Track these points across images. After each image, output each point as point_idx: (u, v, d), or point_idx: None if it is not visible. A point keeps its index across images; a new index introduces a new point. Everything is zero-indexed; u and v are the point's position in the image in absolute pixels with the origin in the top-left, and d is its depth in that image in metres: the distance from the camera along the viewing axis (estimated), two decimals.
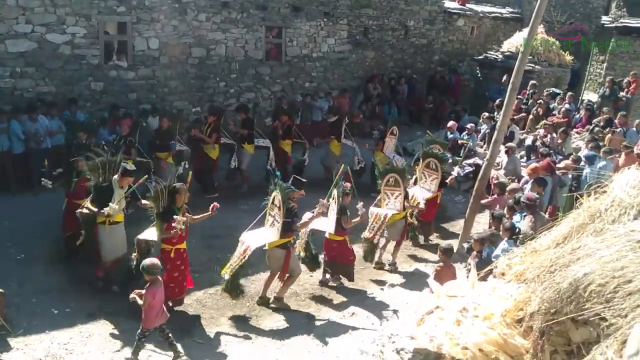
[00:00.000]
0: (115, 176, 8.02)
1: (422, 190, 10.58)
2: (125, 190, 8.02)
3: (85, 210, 8.11)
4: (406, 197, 9.68)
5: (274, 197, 8.05)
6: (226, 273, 7.99)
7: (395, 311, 8.27)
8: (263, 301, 8.33)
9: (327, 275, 9.10)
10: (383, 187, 9.62)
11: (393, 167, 10.04)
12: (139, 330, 6.63)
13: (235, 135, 12.48)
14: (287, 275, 8.30)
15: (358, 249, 9.48)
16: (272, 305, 8.30)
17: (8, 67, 11.63)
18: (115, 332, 7.34)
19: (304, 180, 9.12)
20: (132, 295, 6.48)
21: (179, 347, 6.88)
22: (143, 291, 6.40)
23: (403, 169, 9.93)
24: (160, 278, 6.64)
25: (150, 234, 7.74)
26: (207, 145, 11.91)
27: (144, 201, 8.03)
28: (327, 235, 8.78)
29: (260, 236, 8.12)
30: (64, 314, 7.50)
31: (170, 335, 6.78)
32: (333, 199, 8.50)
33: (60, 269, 8.70)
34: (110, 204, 7.81)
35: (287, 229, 8.00)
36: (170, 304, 7.66)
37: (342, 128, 13.27)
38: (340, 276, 9.09)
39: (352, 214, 8.64)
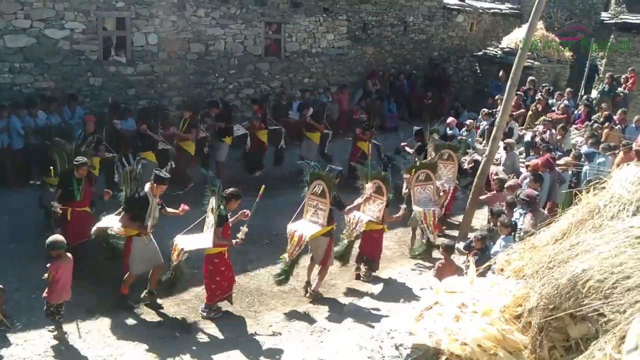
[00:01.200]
0: (147, 185, 7.60)
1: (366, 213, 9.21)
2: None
3: (109, 227, 7.96)
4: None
5: (315, 186, 8.34)
6: (284, 259, 8.38)
7: (394, 307, 8.28)
8: (308, 285, 8.64)
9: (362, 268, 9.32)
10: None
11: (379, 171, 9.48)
12: (46, 307, 6.82)
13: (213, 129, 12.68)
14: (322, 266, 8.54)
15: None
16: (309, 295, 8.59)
17: (7, 63, 11.57)
18: (114, 327, 7.35)
19: (340, 168, 9.74)
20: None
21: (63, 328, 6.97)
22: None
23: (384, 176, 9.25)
24: (68, 255, 6.79)
25: (109, 221, 7.97)
26: (185, 141, 11.91)
27: (169, 209, 7.93)
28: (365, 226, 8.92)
29: (307, 226, 8.34)
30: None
31: (62, 315, 6.89)
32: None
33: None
34: (148, 215, 7.49)
35: (332, 216, 8.30)
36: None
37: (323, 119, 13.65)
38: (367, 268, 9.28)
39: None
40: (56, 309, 6.83)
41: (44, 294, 6.78)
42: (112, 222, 7.96)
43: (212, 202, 7.49)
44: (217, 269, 7.66)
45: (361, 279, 9.23)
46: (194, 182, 11.54)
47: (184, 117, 12.10)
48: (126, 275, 7.78)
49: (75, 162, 8.25)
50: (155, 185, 7.53)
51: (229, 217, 7.64)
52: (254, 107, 13.41)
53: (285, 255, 8.40)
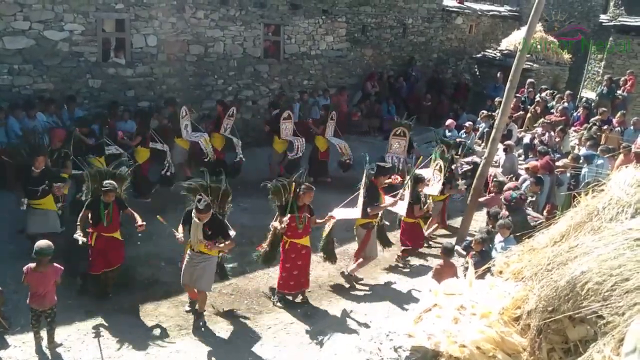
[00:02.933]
0: (194, 214, 7.16)
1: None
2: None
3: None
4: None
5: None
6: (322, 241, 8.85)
7: (392, 309, 8.28)
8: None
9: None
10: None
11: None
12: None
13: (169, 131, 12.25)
14: (362, 257, 8.90)
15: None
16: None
17: (6, 64, 11.60)
18: (113, 330, 7.34)
19: (388, 166, 9.98)
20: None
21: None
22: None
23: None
24: (56, 265, 6.72)
25: None
26: (136, 149, 11.34)
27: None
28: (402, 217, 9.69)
29: (346, 212, 8.74)
30: (61, 311, 7.46)
31: (34, 324, 6.78)
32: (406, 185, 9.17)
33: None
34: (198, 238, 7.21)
35: (365, 210, 8.59)
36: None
37: (279, 123, 12.97)
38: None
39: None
40: (34, 314, 6.72)
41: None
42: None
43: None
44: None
45: (399, 265, 9.85)
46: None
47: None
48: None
49: (103, 188, 7.68)
50: (198, 214, 7.10)
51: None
52: (218, 109, 13.10)
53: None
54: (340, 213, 8.78)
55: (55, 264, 6.72)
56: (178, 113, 12.16)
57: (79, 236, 7.57)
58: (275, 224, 8.11)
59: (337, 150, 13.47)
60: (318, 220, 8.36)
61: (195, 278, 7.43)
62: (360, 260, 8.96)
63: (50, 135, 10.07)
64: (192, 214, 7.13)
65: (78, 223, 7.74)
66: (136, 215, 7.94)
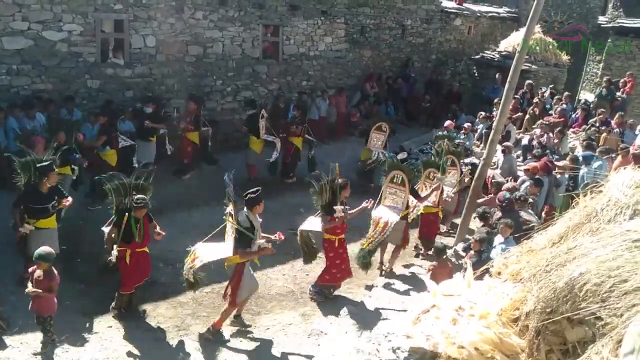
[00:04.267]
0: (245, 210, 7.18)
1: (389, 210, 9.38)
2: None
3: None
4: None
5: (393, 176, 9.08)
6: (367, 248, 8.87)
7: (391, 310, 8.27)
8: (382, 265, 9.54)
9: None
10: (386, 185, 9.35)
11: (397, 164, 9.83)
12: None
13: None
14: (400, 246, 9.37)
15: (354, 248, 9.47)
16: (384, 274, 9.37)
17: (4, 65, 11.58)
18: (111, 330, 7.33)
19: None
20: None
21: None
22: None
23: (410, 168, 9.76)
24: (54, 272, 6.65)
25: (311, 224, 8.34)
26: (104, 151, 11.03)
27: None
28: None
29: (389, 212, 8.93)
30: (59, 312, 7.44)
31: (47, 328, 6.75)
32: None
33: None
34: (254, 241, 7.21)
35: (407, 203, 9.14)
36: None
37: (258, 123, 12.90)
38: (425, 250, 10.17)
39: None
40: (39, 320, 6.70)
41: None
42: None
43: (399, 175, 8.96)
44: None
45: (420, 257, 10.20)
46: None
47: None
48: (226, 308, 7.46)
49: (135, 204, 7.29)
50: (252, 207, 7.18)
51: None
52: (191, 106, 12.82)
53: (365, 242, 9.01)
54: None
55: (53, 271, 6.64)
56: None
57: (113, 255, 7.31)
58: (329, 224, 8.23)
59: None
60: (352, 212, 8.39)
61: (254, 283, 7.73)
62: (398, 251, 9.48)
63: (32, 142, 9.47)
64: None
65: (106, 244, 7.46)
66: (157, 225, 7.78)
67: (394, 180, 9.12)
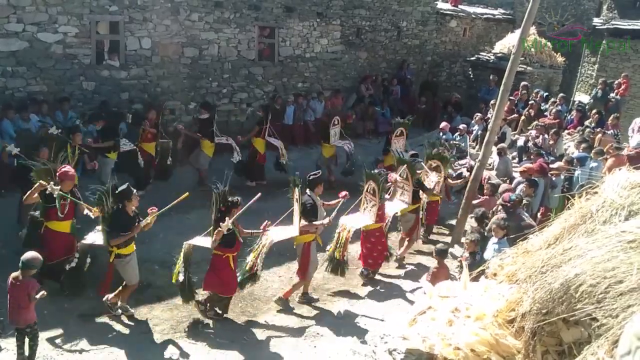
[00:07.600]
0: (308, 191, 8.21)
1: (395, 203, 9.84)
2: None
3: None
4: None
5: (402, 173, 9.57)
6: (332, 253, 8.83)
7: (387, 311, 8.28)
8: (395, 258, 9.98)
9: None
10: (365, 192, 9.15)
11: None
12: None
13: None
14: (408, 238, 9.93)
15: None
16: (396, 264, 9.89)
17: None
18: (107, 334, 7.31)
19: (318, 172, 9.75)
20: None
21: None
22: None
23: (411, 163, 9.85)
24: (34, 280, 6.37)
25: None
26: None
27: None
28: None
29: (356, 219, 9.03)
30: (55, 315, 7.45)
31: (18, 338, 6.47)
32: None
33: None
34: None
35: (417, 196, 9.81)
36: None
37: (212, 127, 12.27)
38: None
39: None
40: (15, 331, 6.46)
41: None
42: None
43: (404, 171, 9.49)
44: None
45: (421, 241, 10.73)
46: None
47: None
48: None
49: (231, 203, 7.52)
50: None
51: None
52: (151, 114, 11.80)
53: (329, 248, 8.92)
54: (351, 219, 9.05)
55: (33, 279, 6.34)
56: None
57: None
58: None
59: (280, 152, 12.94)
60: (329, 203, 8.67)
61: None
62: (410, 243, 9.99)
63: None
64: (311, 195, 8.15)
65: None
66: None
67: (369, 190, 8.97)
